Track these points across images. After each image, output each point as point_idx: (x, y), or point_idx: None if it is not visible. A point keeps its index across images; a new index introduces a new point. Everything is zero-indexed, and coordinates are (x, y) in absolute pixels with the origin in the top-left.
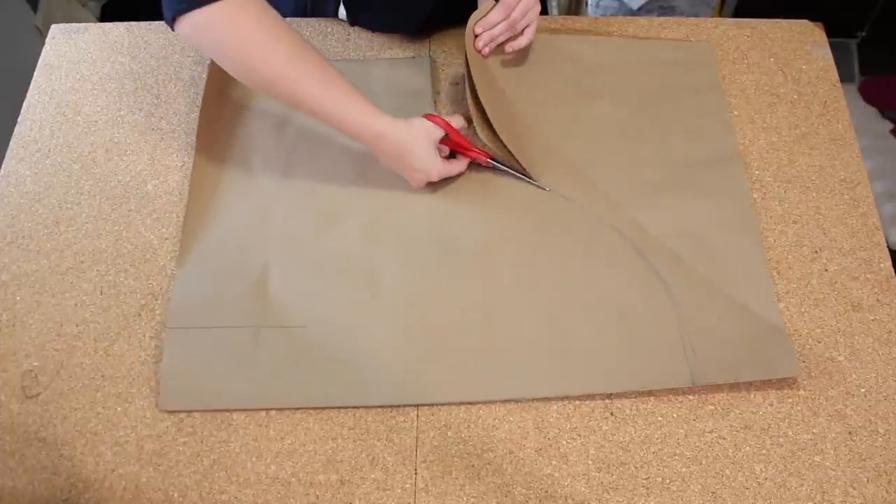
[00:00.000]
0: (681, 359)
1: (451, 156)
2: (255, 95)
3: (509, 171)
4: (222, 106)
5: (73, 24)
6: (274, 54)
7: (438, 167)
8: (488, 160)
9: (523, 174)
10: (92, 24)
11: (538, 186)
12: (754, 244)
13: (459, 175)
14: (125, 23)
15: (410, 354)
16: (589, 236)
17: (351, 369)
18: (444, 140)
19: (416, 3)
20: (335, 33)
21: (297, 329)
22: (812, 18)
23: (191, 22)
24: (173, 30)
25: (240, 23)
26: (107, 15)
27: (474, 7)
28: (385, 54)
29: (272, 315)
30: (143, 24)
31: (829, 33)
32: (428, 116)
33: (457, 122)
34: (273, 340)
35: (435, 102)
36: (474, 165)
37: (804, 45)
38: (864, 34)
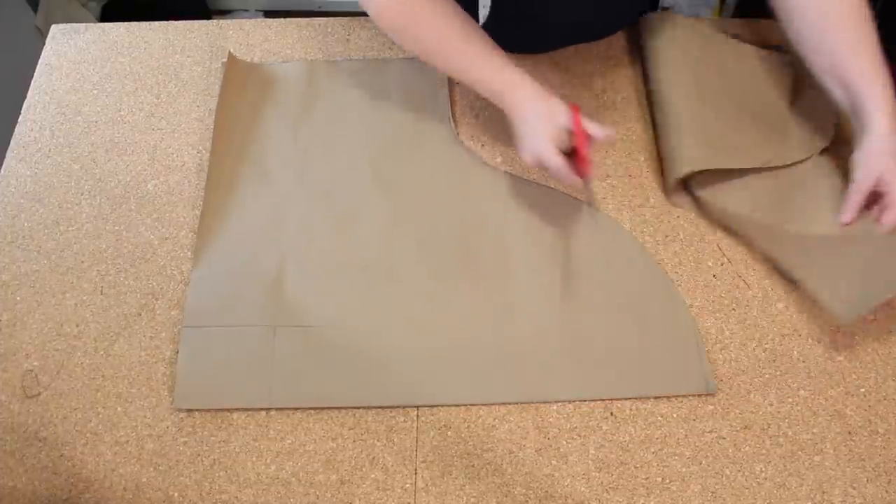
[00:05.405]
0: (696, 365)
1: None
2: (271, 96)
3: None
4: (238, 107)
5: (73, 24)
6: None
7: (547, 149)
8: (586, 179)
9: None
10: (92, 24)
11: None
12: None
13: (568, 185)
14: (125, 23)
15: (429, 355)
16: (604, 240)
17: (369, 369)
18: (574, 142)
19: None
20: (335, 33)
21: (316, 328)
22: None
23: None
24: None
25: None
26: (107, 15)
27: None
28: (385, 54)
29: (289, 314)
30: (143, 24)
31: None
32: (572, 105)
33: (597, 130)
34: (291, 339)
35: (451, 101)
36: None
37: None
38: None
